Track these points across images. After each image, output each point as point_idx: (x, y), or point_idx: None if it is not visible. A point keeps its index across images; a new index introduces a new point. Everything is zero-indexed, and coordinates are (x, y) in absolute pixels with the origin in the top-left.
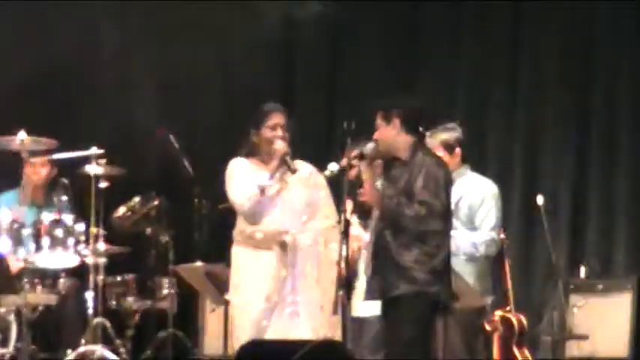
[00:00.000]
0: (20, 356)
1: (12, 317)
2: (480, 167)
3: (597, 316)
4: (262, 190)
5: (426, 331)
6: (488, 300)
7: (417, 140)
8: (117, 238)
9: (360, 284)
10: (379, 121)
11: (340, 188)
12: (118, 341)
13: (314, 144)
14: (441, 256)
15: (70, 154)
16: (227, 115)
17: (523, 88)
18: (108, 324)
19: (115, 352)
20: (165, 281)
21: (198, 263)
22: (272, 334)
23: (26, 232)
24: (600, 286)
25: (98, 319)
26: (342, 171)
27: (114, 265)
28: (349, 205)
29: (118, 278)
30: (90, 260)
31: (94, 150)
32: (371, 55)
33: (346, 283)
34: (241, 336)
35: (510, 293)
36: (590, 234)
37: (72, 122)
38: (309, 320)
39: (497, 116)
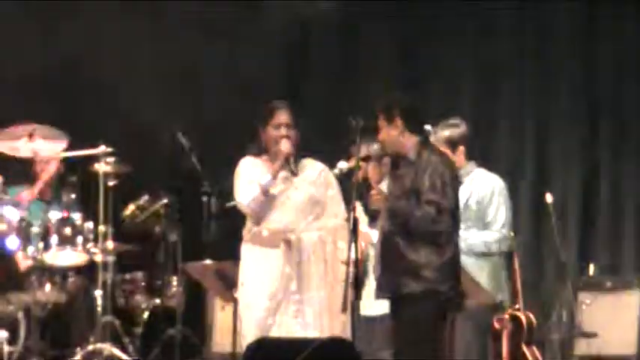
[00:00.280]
0: (29, 354)
1: (21, 315)
2: (490, 165)
3: (606, 314)
4: (265, 191)
5: (435, 329)
6: (501, 297)
7: (422, 139)
8: (125, 237)
9: (370, 283)
10: (381, 122)
11: (349, 187)
12: (126, 339)
13: (321, 140)
14: (450, 255)
15: (79, 152)
16: (235, 113)
17: (533, 85)
18: (117, 322)
19: (124, 349)
20: (174, 279)
21: (207, 261)
22: (277, 332)
23: (35, 230)
24: (609, 284)
25: (107, 317)
26: (351, 171)
27: (122, 263)
28: (358, 205)
29: (127, 276)
30: (98, 258)
31: (103, 148)
32: (378, 53)
33: (355, 282)
34: (247, 334)
35: (519, 291)
36: (599, 232)
37: (80, 120)
38: (315, 318)
39: (508, 115)
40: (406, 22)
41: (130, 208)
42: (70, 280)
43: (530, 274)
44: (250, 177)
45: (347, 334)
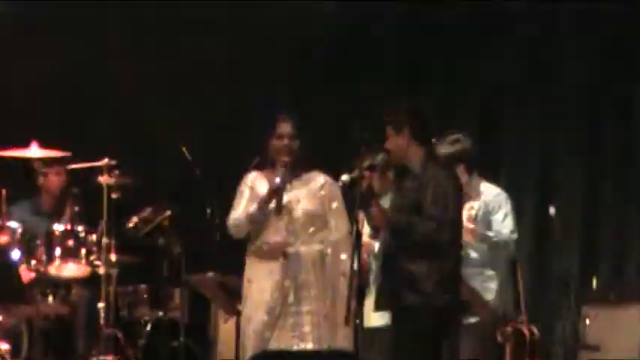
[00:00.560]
0: None
1: (23, 327)
2: (493, 177)
3: (609, 327)
4: (251, 220)
5: (434, 342)
6: (505, 310)
7: (428, 151)
8: (129, 249)
9: (371, 295)
10: (389, 131)
11: (352, 198)
12: (129, 351)
13: (326, 150)
14: (450, 268)
15: (83, 165)
16: (240, 126)
17: (538, 97)
18: (120, 334)
19: None
20: (178, 291)
21: (211, 274)
22: (275, 345)
23: (38, 242)
24: (612, 297)
25: (110, 330)
26: (354, 182)
27: (126, 276)
28: (361, 216)
29: (130, 288)
30: (102, 270)
31: (106, 160)
32: (384, 60)
33: (358, 294)
34: (248, 347)
35: (523, 304)
36: (603, 245)
37: (84, 133)
38: (313, 331)
39: (511, 126)
40: (411, 30)
41: (134, 220)
42: (73, 292)
43: (533, 287)
44: (244, 197)
45: (349, 347)
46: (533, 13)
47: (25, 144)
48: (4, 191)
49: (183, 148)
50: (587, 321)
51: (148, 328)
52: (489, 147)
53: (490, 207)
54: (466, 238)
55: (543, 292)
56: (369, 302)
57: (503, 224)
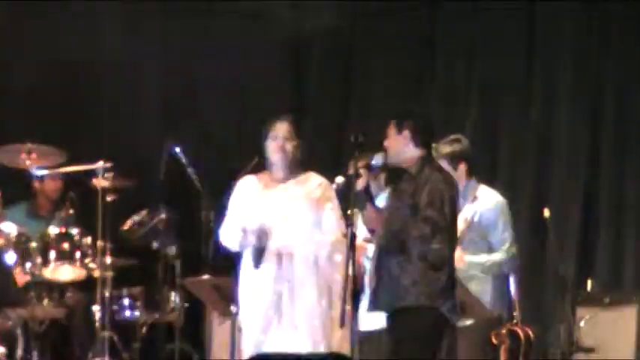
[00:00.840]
0: None
1: (19, 330)
2: (489, 178)
3: (604, 329)
4: (244, 232)
5: (430, 345)
6: (500, 312)
7: (425, 154)
8: (124, 251)
9: (366, 297)
10: (390, 130)
11: (347, 200)
12: (125, 354)
13: (324, 155)
14: (445, 271)
15: (78, 168)
16: (235, 128)
17: (534, 98)
18: (115, 337)
19: None
20: (173, 294)
21: (206, 276)
22: (270, 347)
23: (33, 245)
24: (607, 299)
25: (105, 332)
26: (349, 181)
27: (121, 278)
28: (357, 217)
29: (125, 291)
30: (97, 273)
31: (101, 163)
32: (383, 68)
33: (354, 297)
34: (244, 350)
35: (518, 306)
36: (598, 247)
37: (79, 135)
38: (307, 333)
39: (508, 127)
40: (408, 36)
41: (129, 223)
42: (69, 295)
43: (528, 289)
44: (237, 207)
45: (344, 349)
46: (529, 12)
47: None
48: None
49: (178, 151)
50: (583, 323)
51: (144, 330)
52: (485, 148)
53: (486, 217)
54: (457, 264)
55: (538, 293)
56: (364, 305)
57: (503, 236)
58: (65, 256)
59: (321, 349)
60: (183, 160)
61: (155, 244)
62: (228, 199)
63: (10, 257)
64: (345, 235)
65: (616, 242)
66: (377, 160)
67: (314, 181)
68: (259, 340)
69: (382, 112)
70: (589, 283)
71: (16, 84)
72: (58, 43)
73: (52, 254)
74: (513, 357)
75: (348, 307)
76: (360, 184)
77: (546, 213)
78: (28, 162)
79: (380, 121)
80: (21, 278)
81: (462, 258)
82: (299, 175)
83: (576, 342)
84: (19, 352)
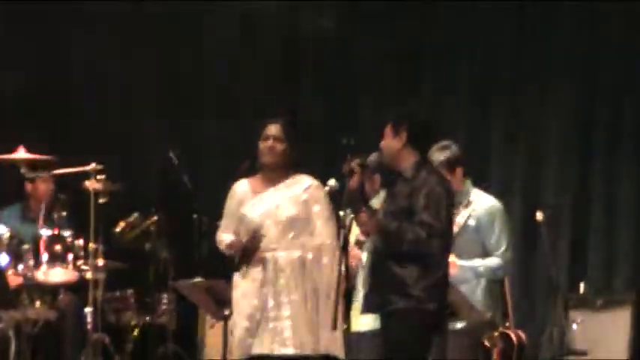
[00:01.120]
0: None
1: (11, 333)
2: (481, 181)
3: (597, 332)
4: (230, 246)
5: (422, 347)
6: (492, 315)
7: (421, 158)
8: (116, 254)
9: (358, 299)
10: (387, 131)
11: (341, 202)
12: (117, 357)
13: (316, 157)
14: (439, 275)
15: (70, 170)
16: (228, 131)
17: (525, 101)
18: (107, 339)
19: None
20: (165, 297)
21: (198, 279)
22: (256, 350)
23: (25, 247)
24: (600, 302)
25: (97, 335)
26: (342, 182)
27: (113, 281)
28: (349, 218)
29: (117, 294)
30: (89, 275)
31: (93, 165)
32: (373, 69)
33: (345, 298)
34: (234, 353)
35: (510, 309)
36: (591, 250)
37: (71, 137)
38: (294, 336)
39: (499, 129)
40: (402, 39)
41: (121, 225)
42: (61, 297)
43: (521, 292)
44: (230, 212)
45: (335, 351)
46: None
47: (12, 148)
48: None
49: (171, 153)
50: (575, 326)
51: (136, 333)
52: (477, 149)
53: (482, 221)
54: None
55: (531, 296)
56: (356, 307)
57: (499, 242)
58: (57, 259)
59: (308, 351)
60: (176, 163)
61: (147, 247)
62: (221, 201)
63: (3, 259)
64: (333, 238)
65: (608, 245)
66: (371, 159)
67: (304, 183)
68: (247, 343)
69: (375, 115)
70: (581, 286)
71: (7, 85)
72: (51, 44)
73: (45, 256)
74: None
75: (340, 309)
76: (353, 183)
77: (539, 216)
78: (20, 165)
79: (373, 123)
80: (13, 280)
81: (455, 264)
82: (290, 178)
83: (569, 345)
84: (12, 354)
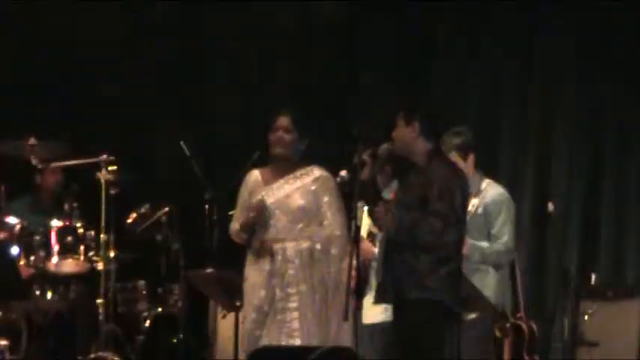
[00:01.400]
0: None
1: (22, 323)
2: (492, 173)
3: (608, 323)
4: (237, 234)
5: (437, 338)
6: (503, 306)
7: (434, 147)
8: (127, 245)
9: (370, 291)
10: (399, 121)
11: (352, 193)
12: (128, 347)
13: (326, 149)
14: (454, 266)
15: (81, 161)
16: (239, 122)
17: (536, 93)
18: (118, 330)
19: (126, 358)
20: (176, 287)
21: (209, 270)
22: (265, 341)
23: (37, 238)
24: (610, 293)
25: (109, 326)
26: (354, 173)
27: (124, 272)
28: (362, 209)
29: (129, 285)
30: (100, 266)
31: (105, 156)
32: (384, 61)
33: (357, 290)
34: (243, 344)
35: (521, 300)
36: (602, 241)
37: (82, 128)
38: (302, 327)
39: (510, 122)
40: (410, 33)
41: (132, 216)
42: (72, 288)
43: (532, 283)
44: (242, 201)
45: (344, 342)
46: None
47: (22, 139)
48: (3, 187)
49: (182, 144)
50: (586, 317)
51: (147, 324)
52: (487, 141)
53: (490, 209)
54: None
55: (542, 287)
56: (368, 298)
57: (503, 230)
58: (69, 250)
59: (316, 342)
60: (188, 153)
61: (159, 238)
62: (232, 192)
63: (14, 250)
64: (343, 229)
65: (619, 236)
66: (382, 149)
67: (314, 174)
68: (255, 334)
69: (384, 104)
70: (592, 277)
71: (20, 76)
72: (62, 36)
73: (56, 247)
74: (517, 351)
75: (352, 301)
76: (365, 173)
77: (550, 207)
78: (30, 155)
79: (382, 113)
80: (24, 271)
81: (467, 241)
82: (300, 169)
83: (580, 336)
84: (23, 345)
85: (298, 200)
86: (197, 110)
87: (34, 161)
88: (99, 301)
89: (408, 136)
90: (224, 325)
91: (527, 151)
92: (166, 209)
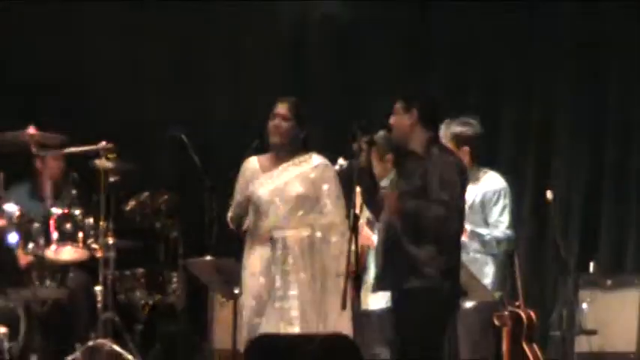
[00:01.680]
0: (29, 350)
1: (21, 311)
2: (492, 162)
3: (606, 312)
4: (233, 219)
5: (437, 327)
6: (502, 294)
7: (433, 136)
8: (126, 233)
9: (369, 278)
10: (397, 108)
11: (351, 182)
12: (127, 335)
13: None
14: (454, 254)
15: (80, 149)
16: (238, 111)
17: (537, 81)
18: (117, 318)
19: (124, 345)
20: (175, 276)
21: (208, 258)
22: (263, 329)
23: (36, 226)
24: (609, 282)
25: (107, 314)
26: (352, 162)
27: (123, 260)
28: (359, 199)
29: (128, 272)
30: (99, 254)
31: (104, 144)
32: (380, 55)
33: (356, 277)
34: (242, 332)
35: (520, 288)
36: (601, 230)
37: (82, 116)
38: (301, 315)
39: (511, 110)
40: (410, 29)
41: (131, 204)
42: (71, 276)
43: (531, 272)
44: (240, 188)
45: (343, 329)
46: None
47: (22, 127)
48: (1, 174)
49: (181, 131)
50: (585, 305)
51: (146, 312)
52: (487, 130)
53: (488, 197)
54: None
55: (541, 276)
56: (367, 286)
57: (500, 218)
58: (68, 237)
59: (314, 330)
60: (186, 141)
61: (158, 225)
62: (230, 179)
63: (13, 238)
64: (342, 217)
65: (619, 225)
66: (380, 136)
67: (313, 161)
68: (254, 322)
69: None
70: (591, 265)
71: (19, 65)
72: (60, 25)
73: (55, 235)
74: (515, 339)
75: (350, 289)
76: (361, 160)
77: (549, 195)
78: (30, 144)
79: (379, 108)
80: (23, 259)
81: (466, 228)
82: (299, 156)
83: (578, 324)
84: (22, 332)
85: (297, 188)
86: (197, 99)
87: (33, 149)
88: (97, 288)
89: (407, 124)
90: (222, 313)
91: (527, 138)
92: (165, 197)
